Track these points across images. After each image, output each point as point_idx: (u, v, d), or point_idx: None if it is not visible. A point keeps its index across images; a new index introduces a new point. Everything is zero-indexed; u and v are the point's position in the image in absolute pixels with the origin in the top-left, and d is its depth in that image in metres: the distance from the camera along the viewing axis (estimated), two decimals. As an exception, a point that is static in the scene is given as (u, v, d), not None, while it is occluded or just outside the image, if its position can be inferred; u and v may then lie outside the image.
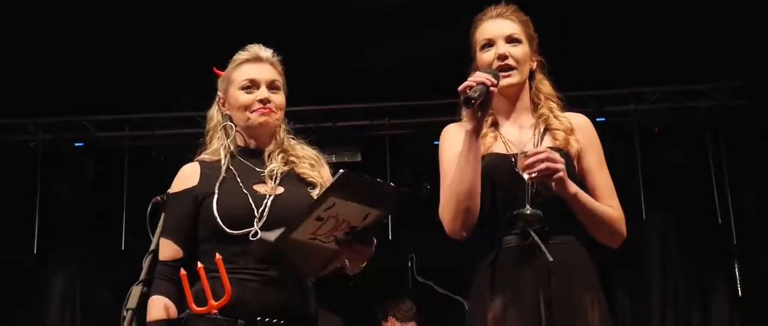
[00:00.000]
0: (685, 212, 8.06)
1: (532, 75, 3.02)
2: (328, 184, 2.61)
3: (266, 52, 3.06)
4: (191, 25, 6.83)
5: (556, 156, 2.70)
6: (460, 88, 2.73)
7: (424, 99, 8.00)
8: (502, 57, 2.91)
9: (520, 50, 2.95)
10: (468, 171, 2.75)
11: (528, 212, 2.73)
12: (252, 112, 2.97)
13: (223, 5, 6.82)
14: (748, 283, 7.67)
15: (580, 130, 2.97)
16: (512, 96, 2.98)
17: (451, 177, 2.83)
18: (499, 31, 2.95)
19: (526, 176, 2.69)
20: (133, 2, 6.69)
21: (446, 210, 2.83)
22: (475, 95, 2.67)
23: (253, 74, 3.00)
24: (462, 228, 2.81)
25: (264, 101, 2.97)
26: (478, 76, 2.73)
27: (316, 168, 3.04)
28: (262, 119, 2.98)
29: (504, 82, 2.87)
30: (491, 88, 2.72)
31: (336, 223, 2.53)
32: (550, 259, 2.69)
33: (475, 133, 2.76)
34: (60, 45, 7.03)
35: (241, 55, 3.06)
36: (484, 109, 2.74)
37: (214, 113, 3.09)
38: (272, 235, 2.54)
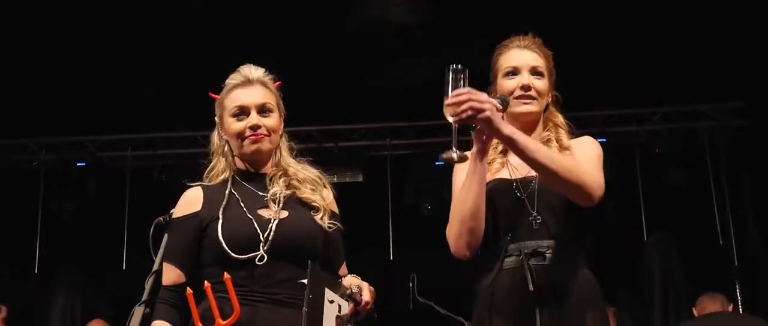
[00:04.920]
0: (686, 233, 8.06)
1: (546, 107, 3.09)
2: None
3: (256, 72, 3.01)
4: (192, 45, 6.85)
5: (482, 95, 2.68)
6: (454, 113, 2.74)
7: (426, 120, 8.02)
8: (526, 87, 2.98)
9: (543, 83, 3.03)
10: (472, 192, 2.80)
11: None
12: (244, 140, 2.93)
13: (225, 25, 6.84)
14: (749, 305, 7.66)
15: (575, 144, 3.03)
16: (528, 124, 3.02)
17: (456, 197, 2.88)
18: (526, 61, 3.02)
19: (451, 120, 2.65)
20: (134, 23, 6.71)
21: (451, 230, 2.87)
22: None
23: (242, 100, 2.95)
24: (466, 247, 2.85)
25: (254, 128, 2.92)
26: (487, 101, 2.74)
27: (318, 191, 3.01)
28: (254, 147, 2.93)
29: (523, 109, 2.96)
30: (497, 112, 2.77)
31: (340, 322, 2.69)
32: (531, 288, 2.72)
33: (480, 154, 2.80)
34: (62, 65, 7.05)
35: (232, 80, 3.01)
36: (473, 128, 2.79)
37: (215, 137, 3.06)
38: None
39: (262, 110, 2.95)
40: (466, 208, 2.80)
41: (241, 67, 3.04)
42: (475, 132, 2.76)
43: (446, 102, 2.64)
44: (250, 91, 2.97)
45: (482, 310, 2.87)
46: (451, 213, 2.90)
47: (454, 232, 2.85)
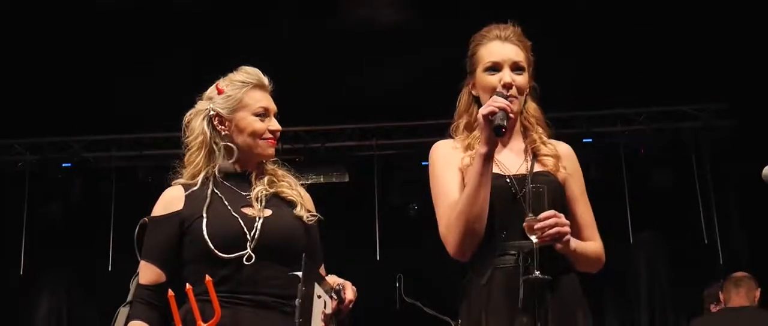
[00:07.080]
0: (671, 232, 8.09)
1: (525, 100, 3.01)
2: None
3: (267, 79, 3.02)
4: (179, 46, 6.84)
5: (563, 218, 2.71)
6: (483, 113, 2.71)
7: (412, 120, 8.03)
8: (508, 86, 2.88)
9: (524, 79, 2.93)
10: (481, 195, 2.73)
11: (537, 276, 2.73)
12: (262, 140, 2.95)
13: (212, 27, 6.83)
14: (735, 304, 7.69)
15: (566, 158, 2.98)
16: (510, 122, 2.91)
17: (457, 199, 2.80)
18: (507, 56, 2.93)
19: (534, 239, 2.69)
20: (119, 25, 6.69)
21: (453, 232, 2.79)
22: (505, 123, 2.69)
23: (265, 103, 2.97)
24: (469, 249, 2.78)
25: (274, 132, 2.97)
26: (497, 102, 2.72)
27: (295, 188, 3.02)
28: (271, 150, 2.98)
29: None
30: (510, 115, 2.74)
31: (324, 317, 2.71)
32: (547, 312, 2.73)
33: (489, 156, 2.74)
34: (47, 66, 7.03)
35: (247, 77, 2.99)
36: (502, 134, 2.75)
37: (199, 128, 2.97)
38: None
39: (275, 117, 3.01)
40: (474, 211, 2.73)
41: (248, 68, 3.03)
42: (488, 134, 2.70)
43: (534, 224, 2.67)
44: (267, 96, 3.00)
45: (477, 309, 2.80)
46: (447, 213, 2.82)
47: (459, 234, 2.77)
